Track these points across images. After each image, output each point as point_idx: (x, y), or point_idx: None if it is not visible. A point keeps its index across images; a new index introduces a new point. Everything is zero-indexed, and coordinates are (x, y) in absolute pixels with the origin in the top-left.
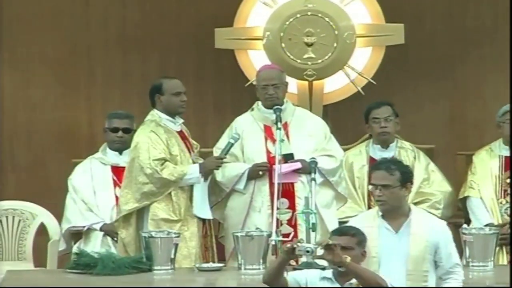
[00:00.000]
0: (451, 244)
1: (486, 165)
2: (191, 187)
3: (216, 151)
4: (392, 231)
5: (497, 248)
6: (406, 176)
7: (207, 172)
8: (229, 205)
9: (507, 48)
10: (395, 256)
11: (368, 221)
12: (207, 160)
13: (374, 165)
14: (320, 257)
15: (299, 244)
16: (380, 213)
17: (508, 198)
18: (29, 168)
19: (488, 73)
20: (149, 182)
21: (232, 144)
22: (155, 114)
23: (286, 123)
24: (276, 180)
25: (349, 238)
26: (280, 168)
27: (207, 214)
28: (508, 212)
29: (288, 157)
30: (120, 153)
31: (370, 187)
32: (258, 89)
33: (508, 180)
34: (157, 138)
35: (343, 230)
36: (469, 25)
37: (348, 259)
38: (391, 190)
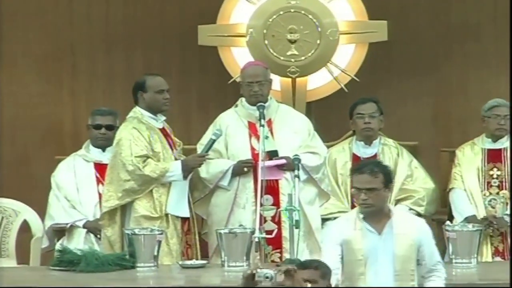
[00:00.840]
0: (432, 241)
1: (469, 158)
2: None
3: (200, 147)
4: (375, 232)
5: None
6: (388, 177)
7: (188, 170)
8: (213, 202)
9: (491, 44)
10: (381, 257)
11: (350, 224)
12: (189, 158)
13: (356, 169)
14: (280, 284)
15: (258, 270)
16: (361, 216)
17: (492, 190)
18: (12, 165)
19: (472, 70)
20: (131, 179)
21: (214, 141)
22: (137, 111)
23: (270, 120)
24: (260, 177)
25: (312, 271)
26: (264, 164)
27: (184, 212)
28: (493, 204)
29: (272, 154)
30: (103, 150)
31: (353, 190)
32: (242, 86)
33: (491, 172)
34: (139, 135)
35: (306, 263)
36: (453, 21)
37: (309, 285)
38: (376, 193)
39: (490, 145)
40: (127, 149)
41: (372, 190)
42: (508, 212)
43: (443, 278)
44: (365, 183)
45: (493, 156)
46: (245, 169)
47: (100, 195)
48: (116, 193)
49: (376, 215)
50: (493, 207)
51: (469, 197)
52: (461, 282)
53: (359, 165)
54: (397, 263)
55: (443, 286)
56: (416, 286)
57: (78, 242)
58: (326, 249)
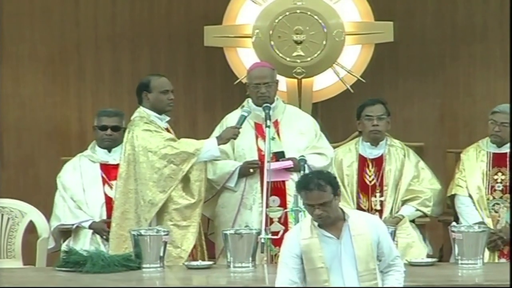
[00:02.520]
0: (389, 237)
1: (474, 162)
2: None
3: None
4: (334, 238)
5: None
6: (335, 185)
7: (224, 142)
8: (220, 203)
9: (497, 45)
10: (344, 262)
11: (305, 233)
12: (224, 130)
13: (303, 187)
14: None
15: None
16: (316, 223)
17: (495, 194)
18: (18, 166)
19: (479, 71)
20: (168, 162)
21: (245, 117)
22: (142, 111)
23: (277, 121)
24: (266, 178)
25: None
26: (270, 166)
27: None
28: (496, 208)
29: (279, 155)
30: (109, 151)
31: (307, 207)
32: (249, 87)
33: (495, 177)
34: (154, 129)
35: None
36: (459, 22)
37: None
38: (329, 205)
39: (495, 149)
40: (152, 140)
41: (324, 204)
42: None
43: (402, 272)
44: (316, 199)
45: (498, 160)
46: (251, 170)
47: (106, 195)
48: (157, 190)
49: (331, 221)
50: (496, 212)
51: (473, 202)
52: (467, 283)
53: (304, 182)
54: (359, 264)
55: (402, 279)
56: (379, 283)
57: (84, 243)
58: (282, 263)
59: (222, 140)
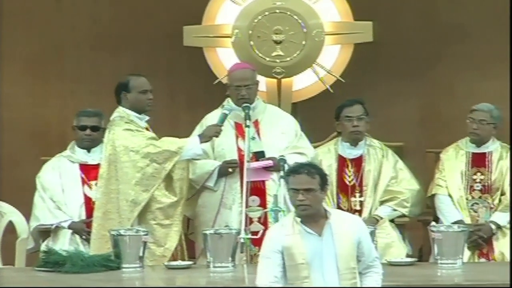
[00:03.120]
0: (370, 238)
1: (453, 162)
2: None
3: None
4: (315, 234)
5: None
6: (324, 179)
7: (206, 140)
8: (200, 203)
9: (479, 46)
10: (325, 259)
11: (287, 229)
12: (206, 129)
13: (293, 170)
14: None
15: None
16: (299, 219)
17: (474, 194)
18: None
19: (460, 71)
20: (150, 161)
21: (227, 115)
22: (122, 111)
23: (257, 120)
24: (245, 178)
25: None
26: (250, 165)
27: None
28: (475, 208)
29: (259, 155)
30: (89, 151)
31: (290, 192)
32: (230, 88)
33: (474, 177)
34: (135, 128)
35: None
36: (441, 23)
37: None
38: (313, 194)
39: (474, 149)
40: (132, 141)
41: (309, 191)
42: (491, 218)
43: (380, 273)
44: (303, 183)
45: (477, 161)
46: (230, 169)
47: (85, 196)
48: (140, 189)
49: (313, 217)
50: (475, 211)
51: (453, 202)
52: (446, 283)
53: (295, 166)
54: (340, 262)
55: (380, 281)
56: (357, 282)
57: (64, 243)
58: (264, 259)
59: (204, 138)
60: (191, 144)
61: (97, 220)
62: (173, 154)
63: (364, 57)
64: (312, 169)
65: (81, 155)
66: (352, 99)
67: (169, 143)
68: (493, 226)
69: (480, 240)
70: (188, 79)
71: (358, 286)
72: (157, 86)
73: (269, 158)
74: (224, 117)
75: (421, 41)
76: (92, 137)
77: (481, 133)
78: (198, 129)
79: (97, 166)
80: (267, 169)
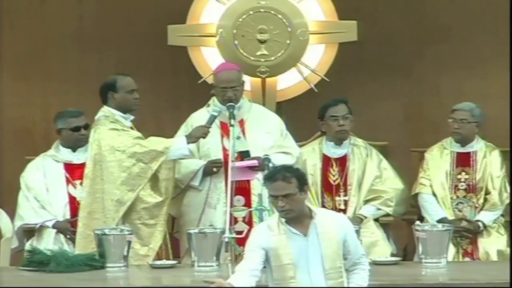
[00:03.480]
0: (355, 235)
1: (438, 161)
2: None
3: None
4: (300, 235)
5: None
6: (302, 180)
7: (192, 140)
8: (185, 202)
9: (463, 45)
10: (310, 259)
11: (273, 230)
12: (194, 129)
13: (269, 177)
14: None
15: None
16: (283, 220)
17: (459, 194)
18: None
19: (444, 70)
20: (137, 160)
21: (215, 117)
22: (107, 110)
23: (242, 120)
24: (229, 178)
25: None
26: (235, 164)
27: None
28: (459, 207)
29: (244, 154)
30: (74, 150)
31: (271, 199)
32: (216, 89)
33: (459, 176)
34: (121, 128)
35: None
36: (425, 22)
37: None
38: (292, 198)
39: (459, 148)
40: (118, 140)
41: (288, 196)
42: (477, 217)
43: (367, 270)
44: (280, 190)
45: (462, 160)
46: (214, 169)
47: (69, 195)
48: (126, 188)
49: (298, 218)
50: (460, 211)
51: (438, 200)
52: (431, 282)
53: (271, 173)
54: (326, 262)
55: (368, 278)
56: (344, 281)
57: (48, 243)
58: (248, 253)
59: (191, 138)
60: (178, 144)
61: (82, 220)
62: (160, 154)
63: (349, 56)
64: (287, 173)
65: (66, 155)
66: (336, 98)
67: (156, 143)
68: (480, 224)
69: (465, 233)
70: (172, 78)
71: (345, 285)
72: (141, 85)
73: (253, 158)
74: (213, 119)
75: (405, 40)
76: (86, 136)
77: (463, 132)
78: (183, 129)
79: (81, 166)
80: (252, 168)
